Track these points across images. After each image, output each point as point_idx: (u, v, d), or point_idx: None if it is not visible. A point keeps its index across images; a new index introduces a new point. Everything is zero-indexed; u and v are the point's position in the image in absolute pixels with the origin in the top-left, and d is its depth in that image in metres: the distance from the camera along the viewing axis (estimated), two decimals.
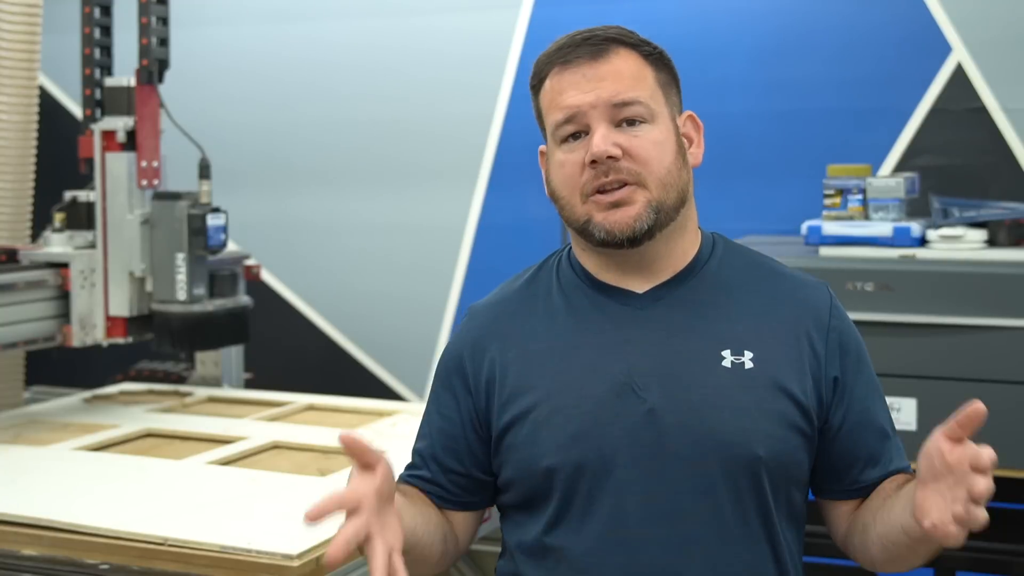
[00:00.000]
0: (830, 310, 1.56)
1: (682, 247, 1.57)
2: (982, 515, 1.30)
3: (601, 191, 1.50)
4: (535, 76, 1.58)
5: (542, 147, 1.61)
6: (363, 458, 1.34)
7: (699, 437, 1.47)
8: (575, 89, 1.51)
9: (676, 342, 1.52)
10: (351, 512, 1.30)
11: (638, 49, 1.54)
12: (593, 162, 1.48)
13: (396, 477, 1.44)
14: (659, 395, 1.48)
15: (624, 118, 1.50)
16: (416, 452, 1.65)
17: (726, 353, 1.50)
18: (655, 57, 1.56)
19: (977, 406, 1.31)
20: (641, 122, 1.50)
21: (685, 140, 1.57)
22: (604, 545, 1.48)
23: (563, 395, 1.51)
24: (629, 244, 1.50)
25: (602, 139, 1.48)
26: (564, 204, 1.54)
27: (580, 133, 1.51)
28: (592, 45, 1.52)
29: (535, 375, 1.54)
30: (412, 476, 1.63)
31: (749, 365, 1.50)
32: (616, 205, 1.49)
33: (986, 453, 1.31)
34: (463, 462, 1.60)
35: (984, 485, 1.29)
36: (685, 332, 1.52)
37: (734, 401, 1.48)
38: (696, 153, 1.59)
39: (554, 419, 1.51)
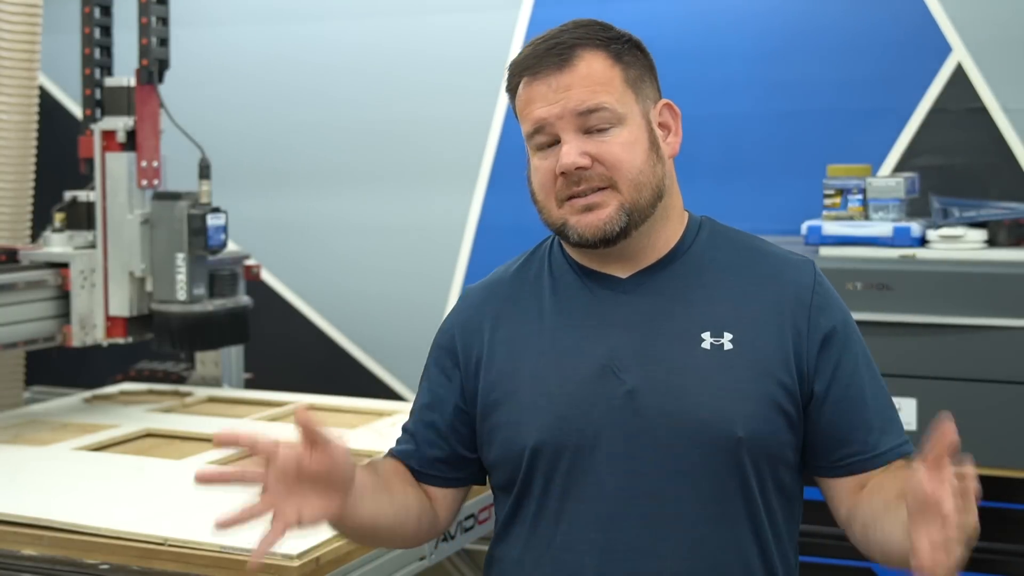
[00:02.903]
0: (813, 287, 1.57)
1: (665, 236, 1.60)
2: (958, 554, 1.24)
3: (574, 195, 1.53)
4: (509, 82, 1.60)
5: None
6: (309, 436, 1.40)
7: (677, 418, 1.50)
8: (542, 101, 1.53)
9: (656, 325, 1.55)
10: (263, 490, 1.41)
11: (607, 48, 1.55)
12: (563, 173, 1.52)
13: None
14: (638, 377, 1.51)
15: (591, 125, 1.52)
16: (404, 427, 1.70)
17: (705, 335, 1.53)
18: (626, 53, 1.56)
19: (945, 428, 1.25)
20: (609, 127, 1.53)
21: (661, 130, 1.59)
22: (583, 524, 1.52)
23: (546, 377, 1.55)
24: (603, 245, 1.54)
25: (570, 151, 1.51)
26: (541, 207, 1.58)
27: (552, 142, 1.54)
28: (557, 54, 1.53)
29: (520, 357, 1.58)
30: (397, 450, 1.69)
31: (729, 347, 1.52)
32: (588, 208, 1.53)
33: (964, 483, 1.24)
34: (447, 439, 1.64)
35: (962, 518, 1.23)
36: (665, 315, 1.55)
37: (713, 382, 1.50)
38: (673, 143, 1.60)
39: (538, 401, 1.55)
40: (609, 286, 1.58)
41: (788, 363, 1.53)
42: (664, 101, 1.60)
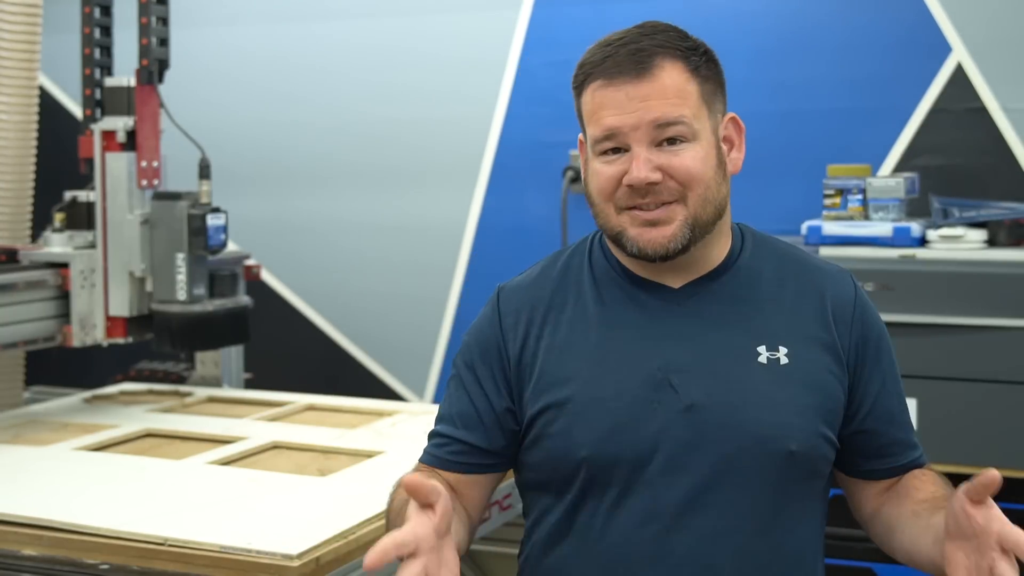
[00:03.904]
0: (855, 301, 1.59)
1: (717, 250, 1.59)
2: None
3: (637, 207, 1.50)
4: (576, 79, 1.56)
5: (581, 136, 1.60)
6: (424, 498, 1.32)
7: (736, 433, 1.49)
8: (617, 109, 1.49)
9: (712, 337, 1.53)
10: (410, 554, 1.28)
11: (686, 60, 1.52)
12: (631, 185, 1.48)
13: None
14: (698, 391, 1.50)
15: (665, 137, 1.49)
16: (440, 433, 1.64)
17: (761, 348, 1.52)
18: (703, 66, 1.54)
19: (992, 475, 1.30)
20: (682, 141, 1.49)
21: (725, 145, 1.57)
22: (636, 536, 1.50)
23: (599, 388, 1.52)
24: (661, 260, 1.52)
25: (643, 164, 1.47)
26: (598, 211, 1.54)
27: (619, 148, 1.50)
28: (637, 61, 1.49)
29: (570, 366, 1.55)
30: (444, 457, 1.62)
31: (784, 360, 1.52)
32: (652, 224, 1.50)
33: (1014, 535, 1.30)
34: (492, 440, 1.60)
35: (1006, 569, 1.29)
36: (720, 327, 1.54)
37: (769, 397, 1.50)
38: (736, 159, 1.59)
39: (589, 412, 1.52)
40: (661, 295, 1.56)
41: (835, 375, 1.54)
42: (730, 115, 1.58)
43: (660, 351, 1.52)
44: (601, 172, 1.51)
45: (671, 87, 1.49)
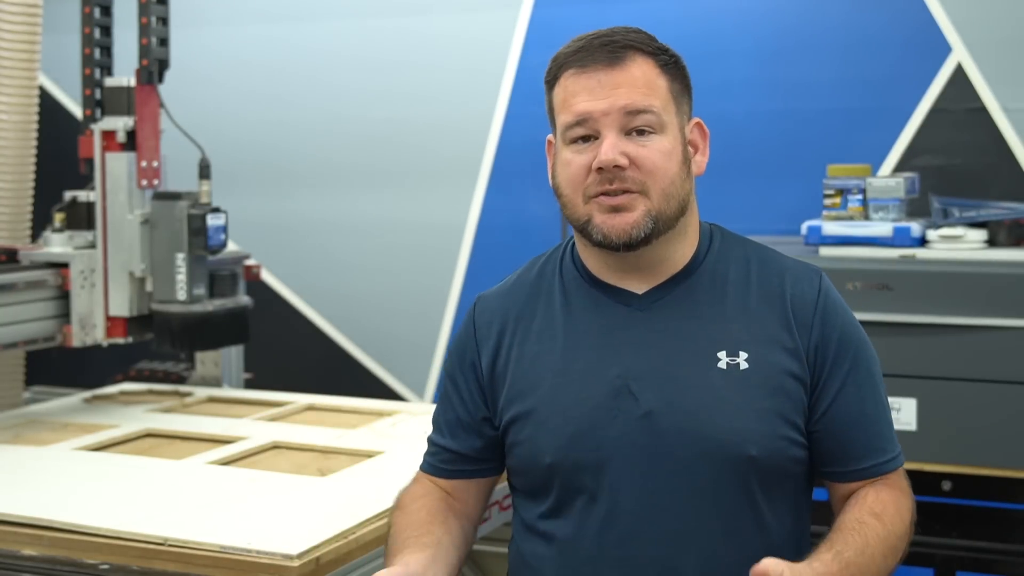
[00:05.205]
0: (816, 301, 1.58)
1: (682, 251, 1.60)
2: None
3: (604, 194, 1.53)
4: (550, 72, 1.60)
5: (550, 137, 1.63)
6: None
7: (693, 439, 1.51)
8: (589, 95, 1.53)
9: (672, 344, 1.55)
10: None
11: (656, 58, 1.56)
12: (600, 169, 1.51)
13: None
14: (655, 397, 1.52)
15: (635, 127, 1.52)
16: (432, 441, 1.74)
17: (721, 354, 1.54)
18: (671, 66, 1.58)
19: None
20: (650, 132, 1.53)
21: (690, 148, 1.59)
22: (602, 540, 1.53)
23: (562, 396, 1.56)
24: (625, 248, 1.54)
25: (611, 147, 1.50)
26: (567, 202, 1.57)
27: (589, 136, 1.54)
28: (610, 52, 1.54)
29: (537, 375, 1.59)
30: (437, 465, 1.72)
31: (744, 365, 1.53)
32: (616, 210, 1.52)
33: None
34: (475, 447, 1.68)
35: None
36: (681, 334, 1.56)
37: (728, 403, 1.51)
38: (700, 161, 1.62)
39: (553, 419, 1.56)
40: (624, 301, 1.59)
41: (798, 378, 1.54)
42: (696, 120, 1.62)
43: (620, 358, 1.55)
44: (572, 161, 1.55)
45: (641, 78, 1.53)
